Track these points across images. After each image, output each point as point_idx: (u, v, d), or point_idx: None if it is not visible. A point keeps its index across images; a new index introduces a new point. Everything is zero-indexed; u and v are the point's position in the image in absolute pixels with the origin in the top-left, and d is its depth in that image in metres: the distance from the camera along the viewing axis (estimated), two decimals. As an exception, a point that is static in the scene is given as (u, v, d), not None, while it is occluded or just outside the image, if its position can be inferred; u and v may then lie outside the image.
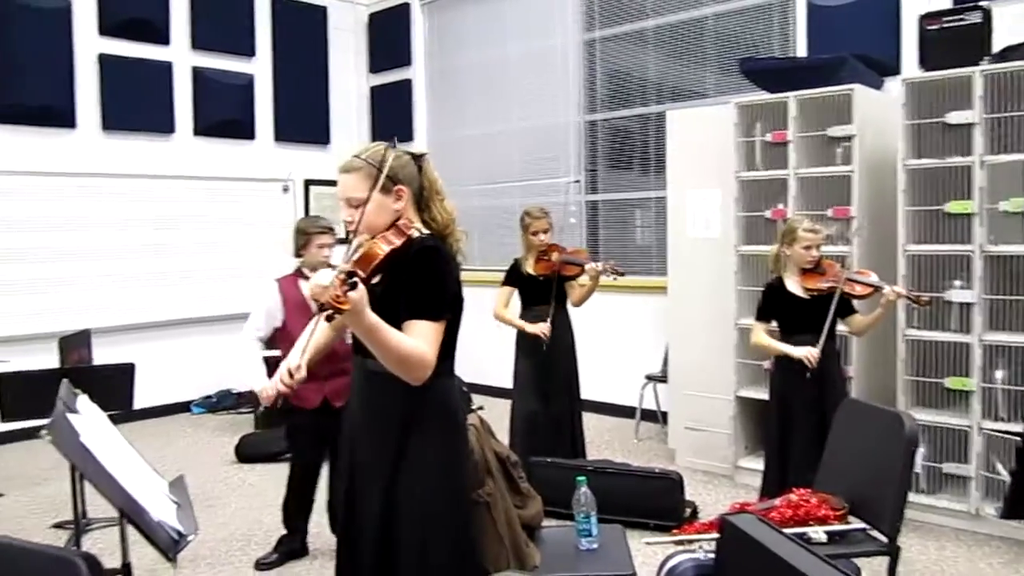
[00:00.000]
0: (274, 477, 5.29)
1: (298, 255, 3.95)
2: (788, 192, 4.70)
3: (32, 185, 6.29)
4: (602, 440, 5.99)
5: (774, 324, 3.95)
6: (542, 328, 4.54)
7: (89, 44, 6.65)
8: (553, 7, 7.10)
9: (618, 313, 6.50)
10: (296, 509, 3.98)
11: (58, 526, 4.43)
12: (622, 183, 6.92)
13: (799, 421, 3.82)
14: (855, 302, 3.92)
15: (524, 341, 4.69)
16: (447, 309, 2.20)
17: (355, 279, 1.83)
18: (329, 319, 1.83)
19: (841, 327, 3.96)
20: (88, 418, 1.95)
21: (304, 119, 7.97)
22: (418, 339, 2.08)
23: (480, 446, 2.77)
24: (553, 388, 4.69)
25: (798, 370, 3.73)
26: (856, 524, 2.79)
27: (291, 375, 2.26)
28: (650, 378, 6.05)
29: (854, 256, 4.41)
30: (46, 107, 6.40)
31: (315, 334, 2.27)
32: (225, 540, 4.28)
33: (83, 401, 2.08)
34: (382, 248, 2.09)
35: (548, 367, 4.65)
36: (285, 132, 7.84)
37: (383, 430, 2.23)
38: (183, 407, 7.02)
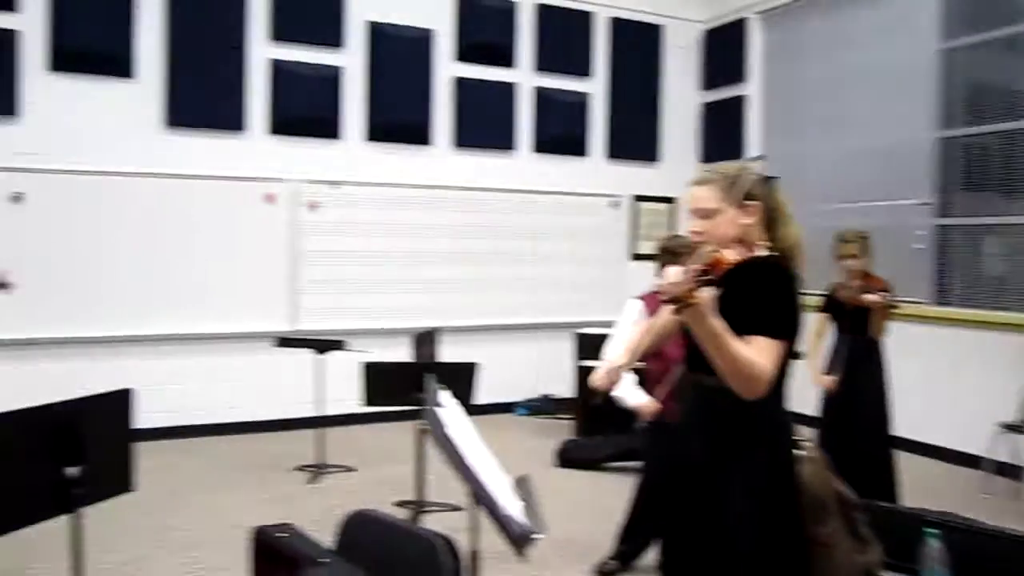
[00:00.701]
0: (594, 484, 5.43)
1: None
2: None
3: (391, 195, 7.05)
4: (928, 488, 5.40)
5: None
6: (824, 381, 4.40)
7: (446, 68, 7.31)
8: (907, 15, 6.57)
9: (962, 350, 5.86)
10: (638, 521, 3.97)
11: (400, 504, 4.86)
12: (977, 206, 6.22)
13: None
14: None
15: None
16: (788, 329, 2.15)
17: (708, 277, 1.86)
18: (678, 312, 1.89)
19: None
20: (451, 411, 2.12)
21: (635, 136, 8.13)
22: (757, 352, 2.04)
23: (819, 481, 2.61)
24: (858, 424, 4.41)
25: None
26: None
27: (613, 369, 2.33)
28: (1008, 427, 5.36)
29: None
30: (406, 125, 7.15)
31: (649, 331, 2.32)
32: (543, 543, 4.43)
33: (446, 395, 2.26)
34: (729, 258, 2.06)
35: (851, 401, 4.41)
36: (617, 149, 8.05)
37: (713, 449, 2.21)
38: (507, 407, 7.44)
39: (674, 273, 1.90)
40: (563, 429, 6.83)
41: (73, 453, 2.56)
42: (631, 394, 3.71)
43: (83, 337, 6.05)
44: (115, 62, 6.24)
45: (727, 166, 2.28)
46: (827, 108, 7.27)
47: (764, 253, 2.22)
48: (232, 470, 5.64)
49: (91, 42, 6.17)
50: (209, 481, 5.37)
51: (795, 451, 2.30)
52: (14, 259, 5.85)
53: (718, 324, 1.95)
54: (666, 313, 2.41)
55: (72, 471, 2.54)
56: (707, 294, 1.88)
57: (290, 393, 6.49)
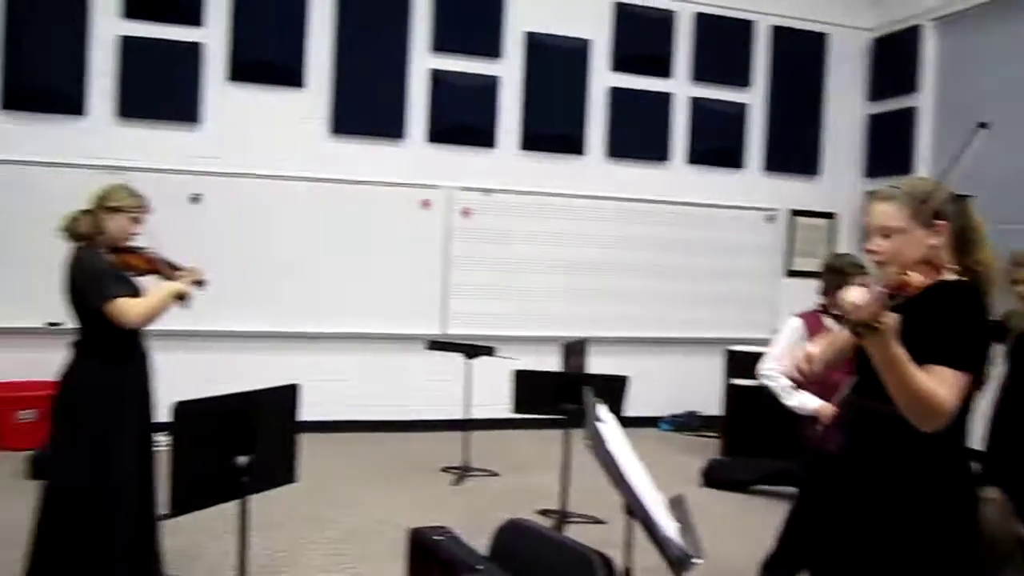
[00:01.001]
0: (741, 508, 5.26)
1: (825, 294, 3.74)
2: None
3: (543, 204, 7.09)
4: None
5: None
6: None
7: (602, 77, 7.30)
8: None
9: None
10: (786, 552, 3.80)
11: (542, 512, 4.87)
12: None
13: None
14: None
15: None
16: (975, 361, 2.00)
17: (895, 301, 1.77)
18: (859, 336, 1.79)
19: None
20: (610, 426, 2.09)
21: (794, 149, 7.85)
22: (939, 383, 1.90)
23: (1002, 526, 2.42)
24: None
25: None
26: None
27: (807, 362, 2.25)
28: None
29: None
30: (560, 135, 7.18)
31: (832, 344, 2.23)
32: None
33: (603, 409, 2.24)
34: (915, 282, 1.93)
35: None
36: (774, 161, 7.80)
37: (881, 483, 2.08)
38: (651, 422, 7.33)
39: (857, 294, 1.80)
40: (708, 447, 6.67)
41: (244, 443, 2.70)
42: (807, 398, 3.56)
43: (249, 331, 6.40)
44: (288, 73, 6.59)
45: (916, 182, 2.14)
46: (1006, 120, 6.75)
47: (952, 277, 2.07)
48: (380, 467, 5.81)
49: (267, 54, 6.54)
50: (359, 476, 5.55)
51: (974, 491, 2.14)
52: (191, 255, 6.23)
53: (901, 351, 1.84)
54: (843, 333, 2.29)
55: (242, 460, 2.69)
56: (893, 319, 1.77)
57: (438, 395, 6.63)
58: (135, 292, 3.33)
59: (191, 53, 6.37)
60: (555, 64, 7.13)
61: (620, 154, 7.35)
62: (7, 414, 5.83)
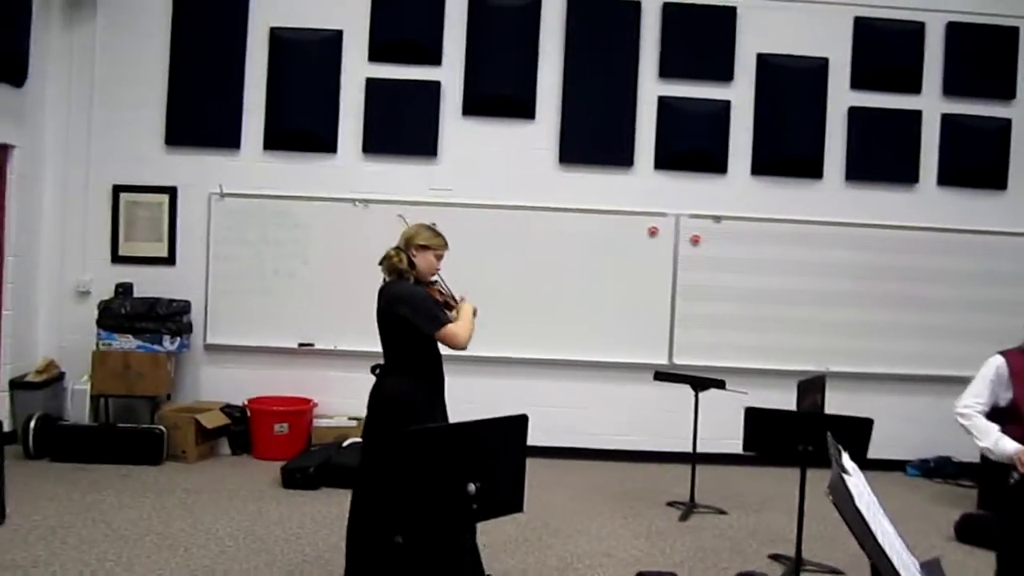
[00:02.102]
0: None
1: None
2: None
3: (776, 231, 6.77)
4: None
5: None
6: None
7: (841, 97, 6.90)
8: None
9: None
10: None
11: (773, 558, 4.61)
12: None
13: None
14: None
15: None
16: None
17: None
18: None
19: None
20: (857, 479, 1.92)
21: (1068, 166, 6.99)
22: None
23: None
24: None
25: None
26: None
27: None
28: None
29: None
30: (795, 158, 6.88)
31: None
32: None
33: (846, 457, 2.06)
34: None
35: None
36: (1042, 182, 6.99)
37: None
38: (897, 465, 6.75)
39: None
40: (964, 498, 6.03)
41: (475, 470, 2.76)
42: (1006, 442, 3.26)
43: (479, 356, 6.55)
44: (518, 105, 6.79)
45: None
46: None
47: None
48: (605, 497, 5.77)
49: (499, 88, 6.79)
50: (583, 505, 5.54)
51: None
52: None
53: None
54: None
55: (472, 487, 2.74)
56: None
57: (665, 427, 6.50)
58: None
59: (430, 91, 6.74)
60: (789, 85, 6.83)
61: (862, 177, 6.89)
62: (265, 427, 6.39)
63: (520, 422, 2.96)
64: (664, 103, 6.82)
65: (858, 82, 6.90)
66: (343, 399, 6.51)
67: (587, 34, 6.78)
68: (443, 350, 3.67)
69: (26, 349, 6.52)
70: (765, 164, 6.86)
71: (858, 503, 1.75)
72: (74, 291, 6.73)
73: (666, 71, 6.82)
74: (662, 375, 5.71)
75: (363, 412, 3.69)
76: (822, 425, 3.63)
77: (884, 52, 6.89)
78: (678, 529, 5.14)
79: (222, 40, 6.72)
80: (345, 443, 6.22)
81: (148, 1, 6.73)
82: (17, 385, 6.30)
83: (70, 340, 6.65)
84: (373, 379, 3.70)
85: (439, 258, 3.74)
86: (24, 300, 6.49)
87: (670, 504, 5.57)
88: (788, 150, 6.87)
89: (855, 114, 6.89)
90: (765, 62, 6.84)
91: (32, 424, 6.00)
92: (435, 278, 3.78)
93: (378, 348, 3.70)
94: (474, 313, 3.73)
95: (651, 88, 6.84)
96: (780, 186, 6.86)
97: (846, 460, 2.08)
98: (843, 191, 6.90)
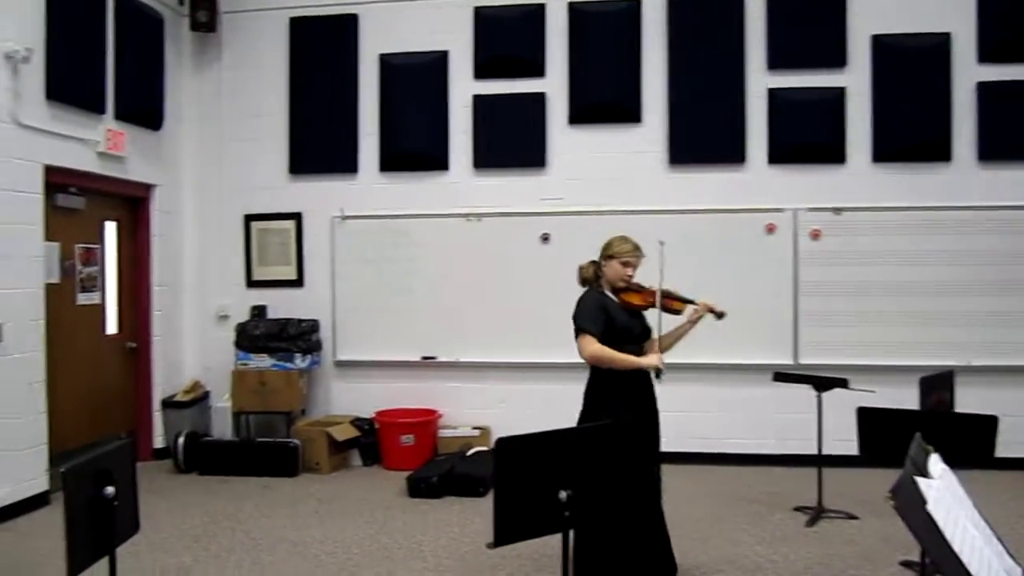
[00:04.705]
0: None
1: None
2: None
3: (901, 220, 6.46)
4: None
5: None
6: None
7: (967, 73, 6.50)
8: None
9: None
10: None
11: (906, 564, 4.39)
12: None
13: None
14: None
15: None
16: None
17: None
18: None
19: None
20: (940, 482, 1.83)
21: None
22: None
23: None
24: None
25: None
26: None
27: None
28: None
29: None
30: (919, 142, 6.52)
31: None
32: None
33: (935, 460, 1.97)
34: None
35: None
36: None
37: None
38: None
39: None
40: None
41: (568, 477, 2.80)
42: None
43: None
44: (624, 110, 6.77)
45: None
46: None
47: None
48: (729, 502, 5.65)
49: (603, 94, 6.79)
50: (707, 510, 5.44)
51: None
52: (543, 292, 6.58)
53: None
54: None
55: (564, 494, 2.78)
56: None
57: (788, 429, 6.31)
58: (625, 328, 3.90)
59: (535, 103, 6.83)
60: (909, 66, 6.49)
61: (996, 156, 6.45)
62: (392, 439, 6.62)
63: (614, 430, 2.99)
64: (775, 95, 6.63)
65: (986, 55, 6.47)
66: (467, 409, 6.68)
67: (689, 31, 6.69)
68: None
69: (174, 371, 7.04)
70: (886, 150, 6.54)
71: (932, 508, 1.66)
72: (215, 315, 7.20)
73: (775, 62, 6.63)
74: (781, 376, 5.54)
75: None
76: (941, 424, 3.44)
77: (1015, 21, 6.43)
78: (806, 536, 4.96)
79: (336, 71, 7.05)
80: (469, 452, 6.36)
81: (267, 40, 7.14)
82: (168, 404, 6.82)
83: (213, 361, 7.13)
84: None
85: (626, 264, 3.95)
86: (171, 326, 7.02)
87: (796, 509, 5.39)
88: (911, 134, 6.52)
89: (984, 89, 6.46)
90: (881, 43, 6.53)
91: (181, 440, 6.49)
92: (624, 284, 3.97)
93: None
94: (657, 371, 3.95)
95: (760, 81, 6.66)
96: (904, 172, 6.53)
97: (933, 463, 1.98)
98: (975, 173, 6.48)
